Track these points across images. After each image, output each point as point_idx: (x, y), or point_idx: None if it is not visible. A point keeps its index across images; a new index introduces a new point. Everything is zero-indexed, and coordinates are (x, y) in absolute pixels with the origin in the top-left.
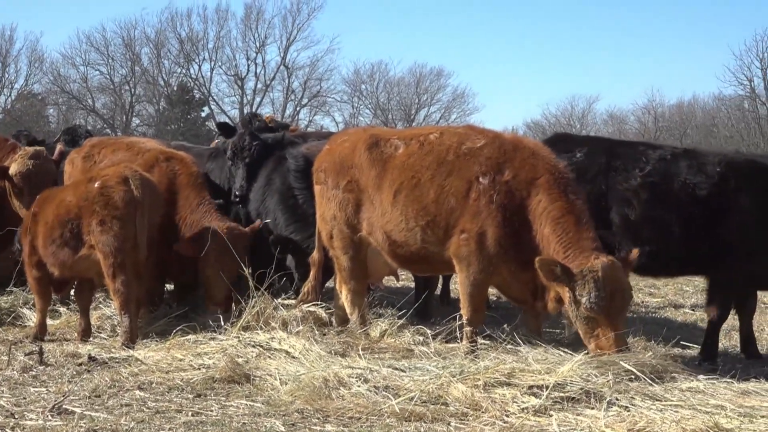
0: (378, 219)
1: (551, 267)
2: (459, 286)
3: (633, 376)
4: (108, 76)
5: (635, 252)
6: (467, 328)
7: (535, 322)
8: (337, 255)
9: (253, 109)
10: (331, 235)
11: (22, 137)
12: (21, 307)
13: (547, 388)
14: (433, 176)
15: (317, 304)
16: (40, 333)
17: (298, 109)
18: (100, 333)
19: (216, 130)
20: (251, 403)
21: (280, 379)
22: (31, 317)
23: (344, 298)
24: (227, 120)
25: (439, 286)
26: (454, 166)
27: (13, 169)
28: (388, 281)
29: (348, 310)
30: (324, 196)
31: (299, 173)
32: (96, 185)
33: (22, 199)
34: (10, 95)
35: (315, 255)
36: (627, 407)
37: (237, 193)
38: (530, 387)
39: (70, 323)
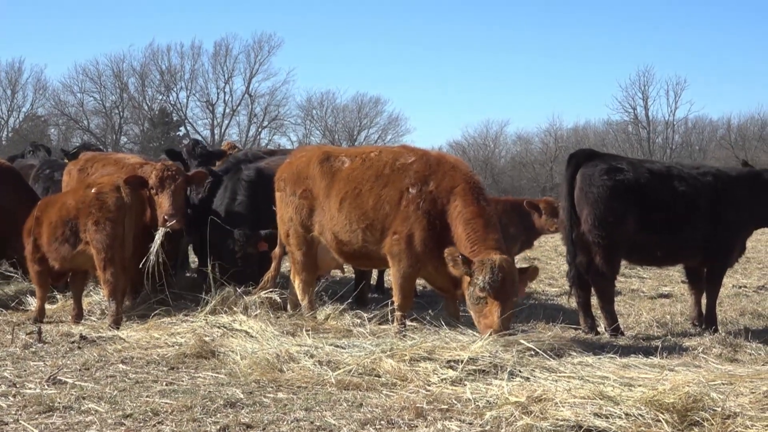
0: (327, 222)
1: (454, 256)
2: (391, 278)
3: (533, 353)
4: (100, 102)
5: (533, 269)
6: (398, 313)
7: (453, 307)
8: (293, 250)
9: (222, 131)
10: (288, 234)
11: (41, 148)
12: (24, 295)
13: (461, 362)
14: (372, 187)
15: (274, 291)
16: (39, 316)
17: (259, 130)
18: (91, 316)
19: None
20: (216, 375)
21: (240, 355)
22: (32, 303)
23: (297, 286)
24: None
25: (374, 277)
26: (389, 179)
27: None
28: (333, 273)
29: (299, 297)
30: (283, 201)
31: (248, 183)
32: (92, 191)
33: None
34: (18, 117)
35: (276, 250)
36: (528, 378)
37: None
38: (448, 361)
39: (65, 308)
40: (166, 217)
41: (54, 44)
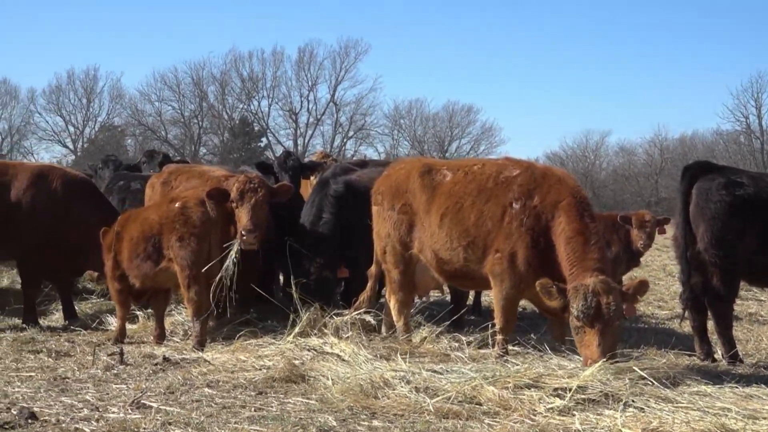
0: (427, 239)
1: (548, 288)
2: (493, 299)
3: (647, 381)
4: (179, 111)
5: (640, 282)
6: (499, 336)
7: (559, 331)
8: (389, 269)
9: (306, 141)
10: (385, 251)
11: (110, 162)
12: (104, 314)
13: (570, 390)
14: (474, 202)
15: (369, 312)
16: (120, 336)
17: (345, 140)
18: (173, 337)
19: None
20: (307, 401)
21: (332, 380)
22: (113, 322)
23: (392, 307)
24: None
25: (471, 298)
26: (492, 193)
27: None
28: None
29: (394, 318)
30: (380, 216)
31: (335, 198)
32: (177, 205)
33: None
34: (94, 127)
35: (372, 268)
36: (642, 408)
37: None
38: (555, 389)
39: (146, 328)
40: (243, 232)
41: (131, 51)
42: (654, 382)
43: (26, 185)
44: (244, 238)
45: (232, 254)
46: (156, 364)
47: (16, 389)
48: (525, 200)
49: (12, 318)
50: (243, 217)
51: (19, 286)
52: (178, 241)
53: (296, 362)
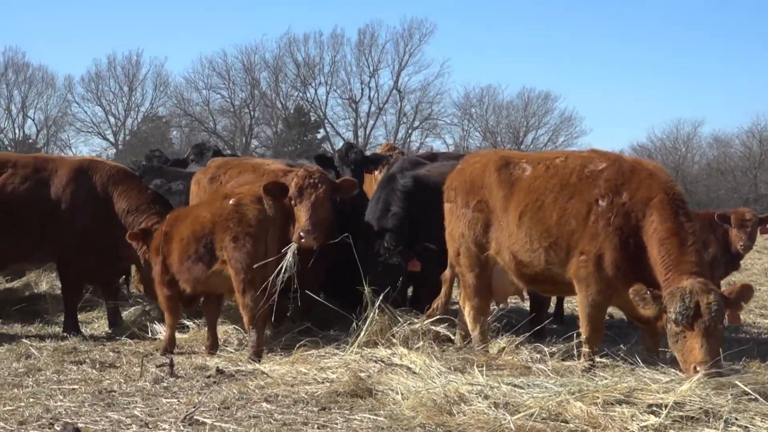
0: (505, 239)
1: (642, 294)
2: (578, 306)
3: (751, 397)
4: (228, 100)
5: (744, 287)
6: (585, 347)
7: (652, 341)
8: (463, 272)
9: (367, 132)
10: (458, 253)
11: (155, 158)
12: (148, 320)
13: (665, 407)
14: (556, 198)
15: (443, 320)
16: (170, 346)
17: (409, 131)
18: (227, 347)
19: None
20: (374, 417)
21: (401, 394)
22: (159, 330)
23: (467, 314)
24: (342, 140)
25: (552, 305)
26: (575, 189)
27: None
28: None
29: (469, 327)
30: (453, 214)
31: (403, 193)
32: (231, 202)
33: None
34: (136, 117)
35: (446, 272)
36: (746, 427)
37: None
38: (649, 405)
39: (197, 337)
40: (301, 233)
41: (176, 34)
42: (759, 397)
43: (66, 181)
44: (303, 239)
45: (289, 256)
46: (209, 377)
47: (59, 403)
48: (612, 197)
49: (52, 326)
50: (302, 215)
51: (58, 291)
52: (233, 241)
53: (362, 375)
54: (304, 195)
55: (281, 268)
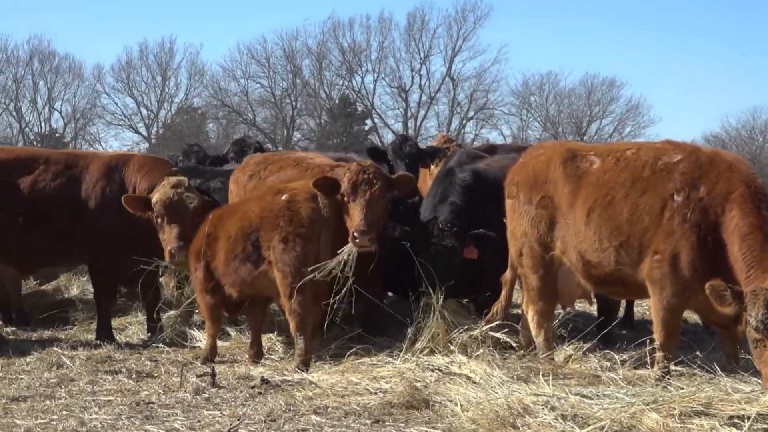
0: (572, 238)
1: (721, 292)
2: (652, 309)
3: None
4: (269, 89)
5: None
6: (659, 354)
7: (731, 347)
8: (526, 274)
9: (417, 123)
10: (521, 253)
11: (193, 154)
12: (187, 326)
13: (748, 418)
14: (627, 194)
15: (503, 325)
16: (211, 355)
17: (464, 122)
18: (272, 355)
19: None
20: (432, 430)
21: (461, 405)
22: (200, 338)
23: (530, 319)
24: (391, 132)
25: (622, 309)
26: (648, 183)
27: (154, 199)
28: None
29: (533, 332)
30: (516, 211)
31: (462, 187)
32: (283, 198)
33: (162, 230)
34: (170, 109)
35: (507, 274)
36: None
37: None
38: (730, 417)
39: (240, 345)
40: (356, 233)
41: (211, 19)
42: None
43: (97, 178)
44: (357, 240)
45: (345, 255)
46: (253, 387)
47: (94, 416)
48: (689, 191)
49: (84, 333)
50: (356, 214)
51: (90, 296)
52: (282, 242)
53: (418, 385)
54: (359, 192)
55: (337, 271)
